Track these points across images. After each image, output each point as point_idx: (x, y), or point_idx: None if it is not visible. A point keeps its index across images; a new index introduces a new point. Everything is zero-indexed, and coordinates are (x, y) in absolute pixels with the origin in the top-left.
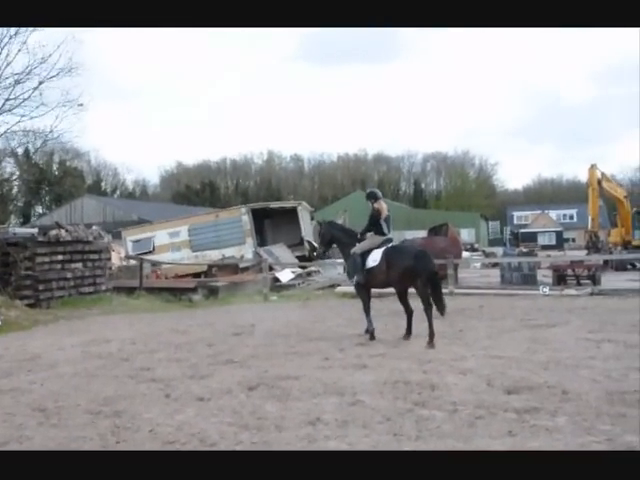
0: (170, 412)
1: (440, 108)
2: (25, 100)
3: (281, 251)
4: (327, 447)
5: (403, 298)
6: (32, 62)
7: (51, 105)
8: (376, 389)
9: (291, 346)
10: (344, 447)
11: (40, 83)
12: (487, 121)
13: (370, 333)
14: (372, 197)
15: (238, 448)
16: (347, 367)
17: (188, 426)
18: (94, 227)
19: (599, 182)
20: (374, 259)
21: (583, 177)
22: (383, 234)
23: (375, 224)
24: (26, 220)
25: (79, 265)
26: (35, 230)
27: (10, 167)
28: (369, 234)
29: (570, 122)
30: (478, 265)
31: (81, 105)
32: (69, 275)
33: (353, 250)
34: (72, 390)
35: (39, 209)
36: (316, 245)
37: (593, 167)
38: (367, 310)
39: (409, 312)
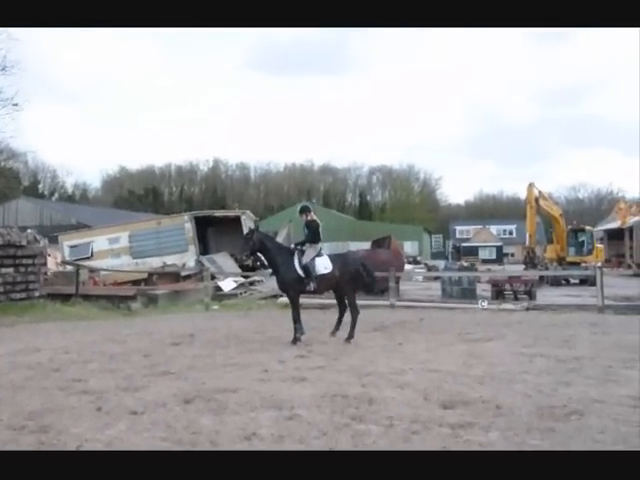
0: (100, 426)
1: (386, 122)
2: None
3: (224, 260)
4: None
5: (343, 299)
6: None
7: None
8: (314, 403)
9: (230, 357)
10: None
11: None
12: (432, 136)
13: (298, 339)
14: (307, 210)
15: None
16: (286, 380)
17: (119, 441)
18: (29, 230)
19: (537, 200)
20: (325, 266)
21: (522, 194)
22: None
23: (316, 234)
24: None
25: (10, 270)
26: None
27: None
28: (307, 244)
29: (511, 140)
30: (420, 278)
31: (16, 105)
32: None
33: (305, 259)
34: None
35: None
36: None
37: (531, 185)
38: (299, 317)
39: (343, 311)
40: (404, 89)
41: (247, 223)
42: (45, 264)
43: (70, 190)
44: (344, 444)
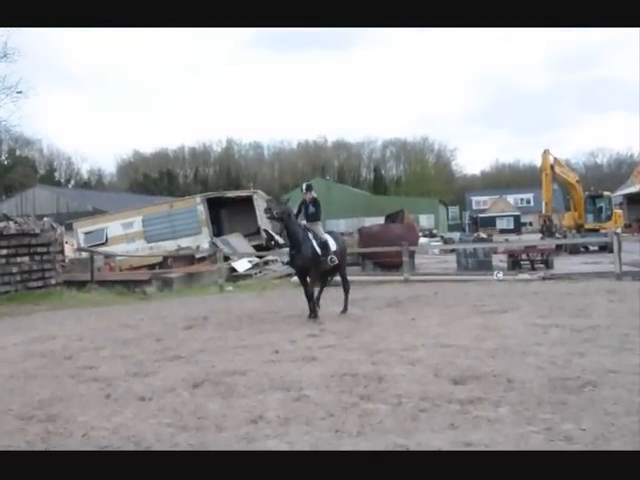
0: (108, 414)
1: (398, 94)
2: None
3: (238, 241)
4: (266, 447)
5: (326, 277)
6: None
7: None
8: (323, 383)
9: (242, 339)
10: (283, 447)
11: None
12: (445, 107)
13: (315, 316)
14: (312, 188)
15: (175, 449)
16: (296, 360)
17: (124, 428)
18: (45, 219)
19: (552, 167)
20: (332, 243)
21: (539, 162)
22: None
23: (321, 211)
24: None
25: (26, 259)
26: None
27: None
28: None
29: (526, 108)
30: (437, 251)
31: (20, 92)
32: (15, 270)
33: (323, 235)
34: (6, 393)
35: None
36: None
37: (546, 152)
38: (313, 295)
39: (323, 288)
40: (414, 60)
41: (259, 203)
42: (62, 252)
43: (86, 176)
44: (350, 425)
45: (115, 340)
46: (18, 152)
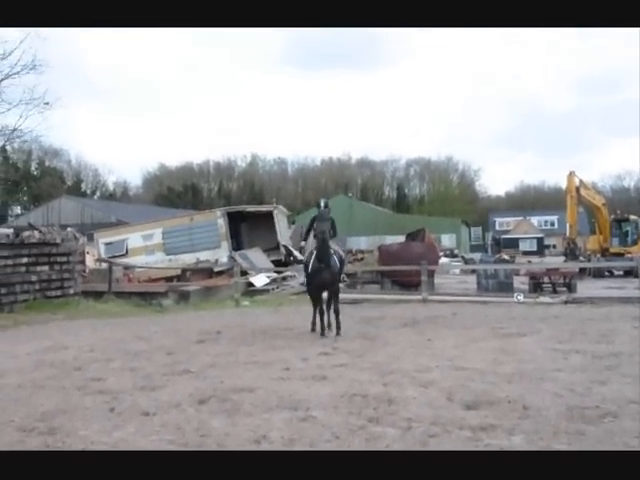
0: (109, 429)
1: (424, 113)
2: None
3: (256, 255)
4: None
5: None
6: None
7: (14, 103)
8: (331, 403)
9: (253, 355)
10: None
11: (2, 80)
12: (470, 127)
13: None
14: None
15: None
16: (306, 378)
17: (124, 444)
18: (69, 229)
19: (577, 189)
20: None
21: (564, 184)
22: None
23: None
24: (2, 221)
25: (46, 268)
26: (10, 231)
27: None
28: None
29: (552, 129)
30: (457, 271)
31: (47, 104)
32: (34, 278)
33: (341, 252)
34: (11, 403)
35: (17, 209)
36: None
37: (571, 174)
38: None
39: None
40: (440, 80)
41: (280, 218)
42: (83, 262)
43: (111, 188)
44: (355, 448)
45: (127, 352)
46: (47, 163)
